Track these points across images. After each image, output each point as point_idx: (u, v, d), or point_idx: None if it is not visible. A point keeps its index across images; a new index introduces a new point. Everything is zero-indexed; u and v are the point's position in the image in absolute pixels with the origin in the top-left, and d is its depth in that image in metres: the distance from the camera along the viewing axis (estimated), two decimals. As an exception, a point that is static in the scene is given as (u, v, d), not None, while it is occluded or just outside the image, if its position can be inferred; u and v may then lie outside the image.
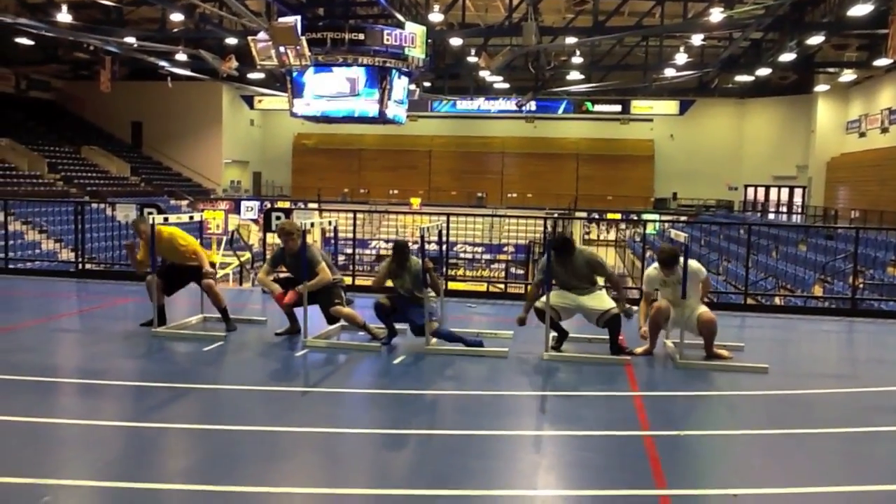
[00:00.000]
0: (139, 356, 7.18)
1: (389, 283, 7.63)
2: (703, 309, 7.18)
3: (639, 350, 7.38)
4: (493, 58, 24.53)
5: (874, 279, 18.08)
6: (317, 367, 7.07)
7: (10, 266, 13.24)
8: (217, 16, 24.94)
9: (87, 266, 12.62)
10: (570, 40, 26.40)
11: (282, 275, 8.07)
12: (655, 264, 7.46)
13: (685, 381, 6.69)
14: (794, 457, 5.00)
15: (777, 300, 16.27)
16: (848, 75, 32.49)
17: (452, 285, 11.14)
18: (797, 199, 38.86)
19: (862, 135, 33.58)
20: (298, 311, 7.66)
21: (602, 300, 7.38)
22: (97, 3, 25.62)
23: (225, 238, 22.70)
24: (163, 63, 27.55)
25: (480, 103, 40.71)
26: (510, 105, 38.72)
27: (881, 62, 26.06)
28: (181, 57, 26.70)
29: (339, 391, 6.37)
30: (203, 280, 8.05)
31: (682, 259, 7.14)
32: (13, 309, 9.68)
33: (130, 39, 24.91)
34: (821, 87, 35.23)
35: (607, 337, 8.21)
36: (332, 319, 7.89)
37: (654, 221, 27.87)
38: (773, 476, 4.65)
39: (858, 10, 19.67)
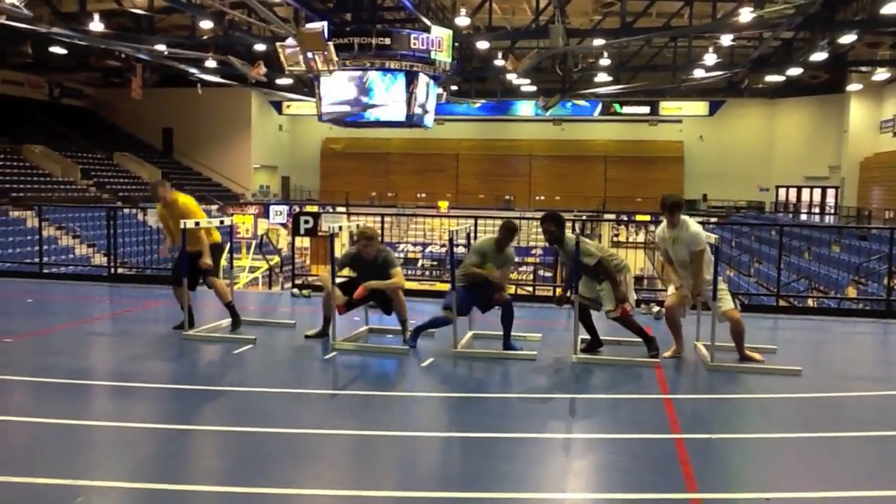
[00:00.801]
0: (170, 359, 7.26)
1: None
2: (728, 306, 7.06)
3: (667, 353, 7.31)
4: (520, 60, 24.46)
5: (910, 280, 17.75)
6: (345, 369, 7.09)
7: (45, 270, 13.45)
8: (246, 22, 25.15)
9: (120, 270, 12.77)
10: (598, 42, 26.25)
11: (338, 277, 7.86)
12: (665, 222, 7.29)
13: (716, 384, 6.61)
14: (828, 460, 4.92)
15: (810, 302, 16.07)
16: (881, 74, 31.99)
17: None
18: (829, 200, 38.35)
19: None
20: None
21: (609, 299, 7.27)
22: (128, 11, 25.99)
23: (254, 242, 22.91)
24: (192, 70, 27.82)
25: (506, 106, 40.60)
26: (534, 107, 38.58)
27: (916, 60, 25.65)
28: (210, 63, 26.96)
29: (367, 394, 6.38)
30: (204, 277, 8.06)
31: (686, 216, 7.19)
32: (47, 312, 9.84)
33: (161, 47, 25.17)
34: (853, 86, 34.71)
35: (638, 339, 8.16)
36: (387, 307, 7.82)
37: (684, 223, 27.63)
38: (806, 480, 4.58)
39: (892, 8, 19.33)
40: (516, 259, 7.61)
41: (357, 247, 7.75)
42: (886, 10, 19.59)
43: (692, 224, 7.19)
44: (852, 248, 21.72)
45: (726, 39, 27.99)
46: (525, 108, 39.73)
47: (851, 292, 18.05)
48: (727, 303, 7.11)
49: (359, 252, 7.73)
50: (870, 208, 32.39)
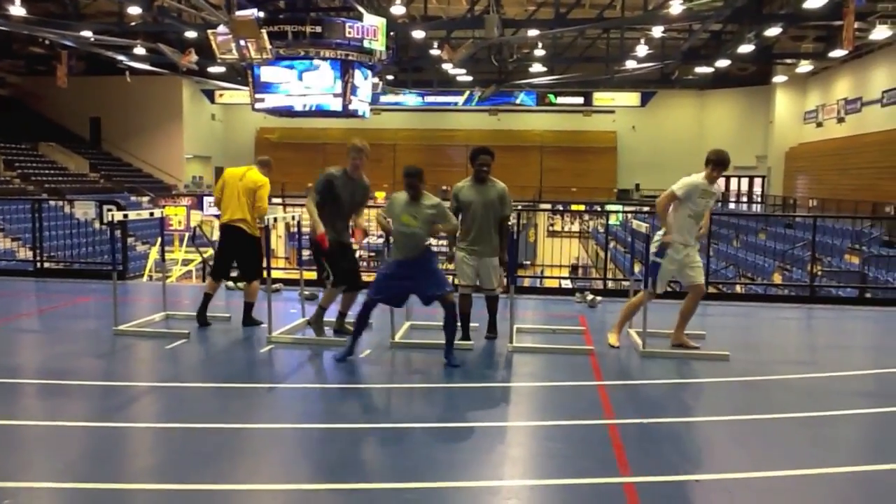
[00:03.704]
0: (101, 355, 7.08)
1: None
2: (700, 279, 7.22)
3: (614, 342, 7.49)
4: (456, 50, 24.51)
5: (832, 266, 18.44)
6: (282, 362, 7.03)
7: (-34, 266, 12.98)
8: (176, 9, 24.58)
9: (46, 265, 12.40)
10: (533, 32, 26.49)
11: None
12: (700, 175, 7.16)
13: (648, 370, 6.77)
14: (756, 441, 5.09)
15: (738, 288, 16.53)
16: (805, 66, 33.03)
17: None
18: (757, 189, 39.45)
19: (819, 125, 34.19)
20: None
21: (493, 273, 7.27)
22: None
23: (187, 234, 22.49)
24: (121, 57, 27.13)
25: (441, 97, 40.77)
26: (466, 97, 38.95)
27: (837, 53, 26.56)
28: (140, 51, 26.32)
29: (305, 386, 6.35)
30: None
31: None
32: (-30, 309, 9.49)
33: (87, 33, 24.46)
34: (779, 78, 35.78)
35: (572, 328, 8.30)
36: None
37: (618, 212, 28.17)
38: (734, 461, 4.73)
39: (814, 2, 19.98)
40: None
41: (347, 166, 7.38)
42: (809, 4, 20.22)
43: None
44: (778, 235, 22.44)
45: (657, 31, 28.54)
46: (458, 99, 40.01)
47: (777, 279, 18.67)
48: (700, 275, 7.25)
49: (346, 173, 7.37)
50: (795, 197, 33.47)
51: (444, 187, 41.36)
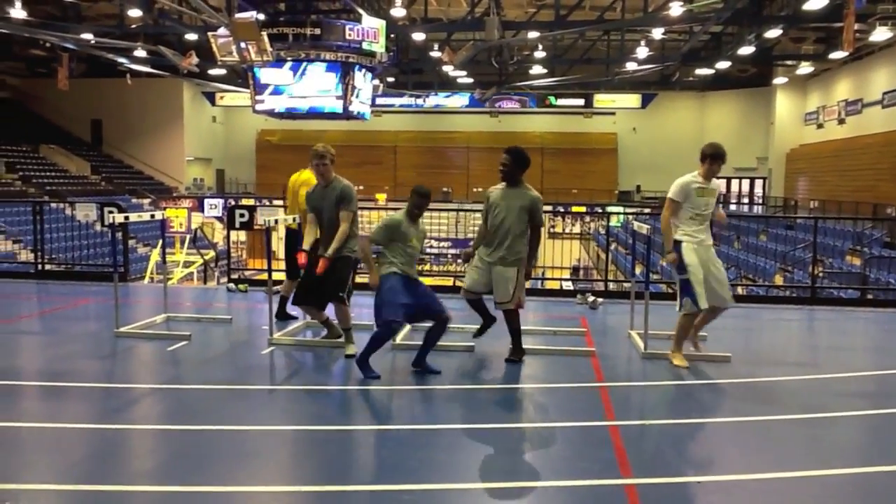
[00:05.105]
0: (102, 357, 7.08)
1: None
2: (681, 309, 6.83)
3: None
4: (457, 53, 24.54)
5: (833, 268, 18.43)
6: (283, 364, 7.03)
7: (-32, 268, 12.99)
8: (176, 11, 24.64)
9: (48, 267, 12.42)
10: (533, 35, 26.53)
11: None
12: (692, 173, 6.98)
13: (650, 372, 6.77)
14: (757, 443, 5.08)
15: (739, 290, 16.52)
16: (805, 68, 33.05)
17: (419, 280, 11.14)
18: (758, 190, 39.47)
19: (820, 126, 34.20)
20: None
21: (507, 284, 6.65)
22: (53, -2, 25.21)
23: (188, 236, 22.52)
24: (122, 60, 27.19)
25: (441, 99, 40.76)
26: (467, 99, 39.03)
27: (837, 55, 26.59)
28: (140, 53, 26.36)
29: (306, 388, 6.34)
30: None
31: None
32: (-29, 312, 9.49)
33: (88, 36, 24.50)
34: (779, 80, 35.80)
35: (574, 329, 8.30)
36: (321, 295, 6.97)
37: (619, 214, 28.17)
38: (736, 463, 4.73)
39: (814, 4, 20.00)
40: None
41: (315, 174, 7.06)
42: (809, 5, 20.24)
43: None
44: (779, 237, 22.45)
45: (657, 33, 28.56)
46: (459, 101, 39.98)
47: (778, 280, 18.66)
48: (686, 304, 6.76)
49: (318, 185, 7.07)
50: (795, 198, 33.48)
51: (445, 189, 41.55)
